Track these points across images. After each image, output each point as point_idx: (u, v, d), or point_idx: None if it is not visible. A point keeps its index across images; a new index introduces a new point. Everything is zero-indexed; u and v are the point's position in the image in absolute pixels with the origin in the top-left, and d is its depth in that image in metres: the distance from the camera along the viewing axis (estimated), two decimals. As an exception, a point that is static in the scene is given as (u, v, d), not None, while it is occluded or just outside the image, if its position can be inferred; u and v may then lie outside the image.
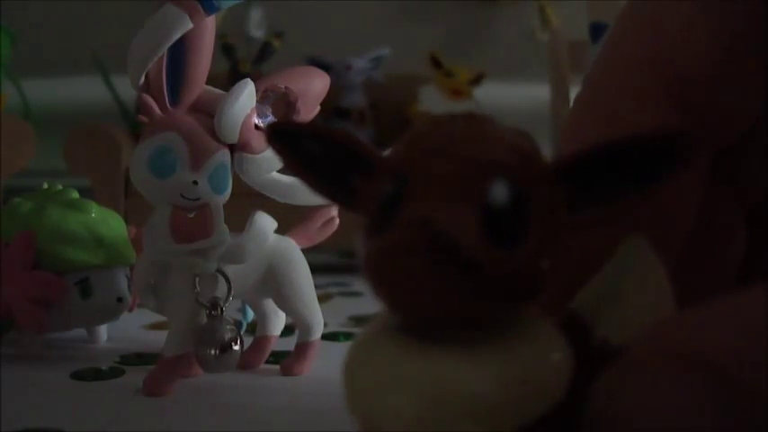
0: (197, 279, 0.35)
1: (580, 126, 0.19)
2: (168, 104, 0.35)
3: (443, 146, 0.14)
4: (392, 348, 0.15)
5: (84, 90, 1.17)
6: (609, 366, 0.15)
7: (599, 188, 0.15)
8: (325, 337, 0.41)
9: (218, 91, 0.37)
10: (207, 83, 0.37)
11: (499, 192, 0.13)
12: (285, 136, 0.17)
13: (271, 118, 0.37)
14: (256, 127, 0.36)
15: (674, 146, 0.14)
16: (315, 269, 0.40)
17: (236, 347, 0.35)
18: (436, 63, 1.09)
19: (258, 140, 0.36)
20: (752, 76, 0.17)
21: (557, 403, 0.15)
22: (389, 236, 0.14)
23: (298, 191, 0.37)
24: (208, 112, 0.36)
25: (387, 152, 0.16)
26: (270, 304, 0.41)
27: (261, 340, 0.41)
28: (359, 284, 0.66)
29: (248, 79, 0.36)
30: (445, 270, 0.13)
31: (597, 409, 0.15)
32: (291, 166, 0.17)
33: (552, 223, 0.14)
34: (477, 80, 1.10)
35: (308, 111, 0.38)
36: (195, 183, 0.35)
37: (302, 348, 0.40)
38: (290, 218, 0.41)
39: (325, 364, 0.39)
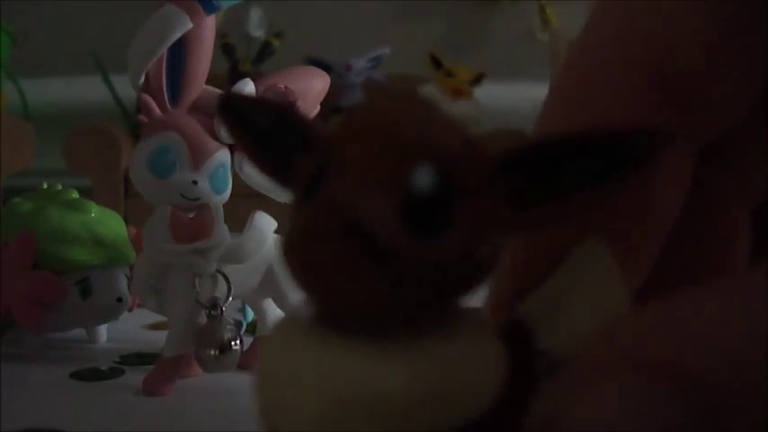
0: (197, 279, 0.36)
1: (557, 125, 0.18)
2: (168, 104, 0.35)
3: (370, 125, 0.13)
4: (299, 340, 0.13)
5: (84, 90, 1.17)
6: (551, 379, 0.13)
7: (550, 184, 0.13)
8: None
9: (218, 91, 0.37)
10: (207, 83, 0.37)
11: (422, 177, 0.12)
12: (236, 109, 0.16)
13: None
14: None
15: (643, 144, 0.13)
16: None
17: (236, 347, 0.35)
18: (436, 63, 1.10)
19: (258, 140, 0.36)
20: (744, 64, 0.16)
21: (488, 415, 0.13)
22: (303, 218, 0.13)
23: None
24: (208, 113, 0.36)
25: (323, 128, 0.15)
26: (270, 304, 0.41)
27: (261, 340, 0.41)
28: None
29: (248, 79, 0.36)
30: (359, 258, 0.12)
31: (535, 428, 0.13)
32: (241, 141, 0.16)
33: (486, 214, 0.13)
34: (477, 80, 1.10)
35: (308, 111, 0.38)
36: (195, 183, 0.35)
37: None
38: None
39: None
